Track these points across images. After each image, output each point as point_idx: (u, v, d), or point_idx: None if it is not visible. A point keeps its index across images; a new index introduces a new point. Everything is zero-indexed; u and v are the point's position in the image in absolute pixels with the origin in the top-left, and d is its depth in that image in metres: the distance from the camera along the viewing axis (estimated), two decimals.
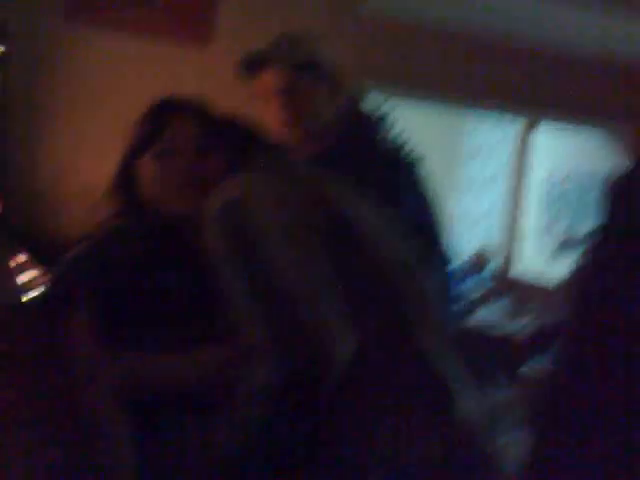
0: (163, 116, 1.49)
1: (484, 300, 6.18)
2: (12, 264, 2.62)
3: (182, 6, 2.45)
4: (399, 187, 2.08)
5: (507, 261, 7.05)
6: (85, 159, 2.32)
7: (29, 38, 2.37)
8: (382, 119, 2.24)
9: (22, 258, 2.68)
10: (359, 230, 1.45)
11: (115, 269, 1.34)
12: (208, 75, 2.53)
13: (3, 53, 2.52)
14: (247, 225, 1.30)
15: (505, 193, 7.27)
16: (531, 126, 6.76)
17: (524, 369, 5.10)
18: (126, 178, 1.49)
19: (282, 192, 1.39)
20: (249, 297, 1.29)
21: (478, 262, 6.93)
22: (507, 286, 6.94)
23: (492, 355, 5.39)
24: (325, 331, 1.27)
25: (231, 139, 1.54)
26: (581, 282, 1.77)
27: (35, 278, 2.45)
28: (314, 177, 1.55)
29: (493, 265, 7.05)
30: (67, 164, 2.48)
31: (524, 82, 4.88)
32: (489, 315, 6.07)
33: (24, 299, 2.14)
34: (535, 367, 4.91)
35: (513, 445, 2.16)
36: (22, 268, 2.56)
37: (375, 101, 2.29)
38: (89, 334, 1.29)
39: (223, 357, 1.37)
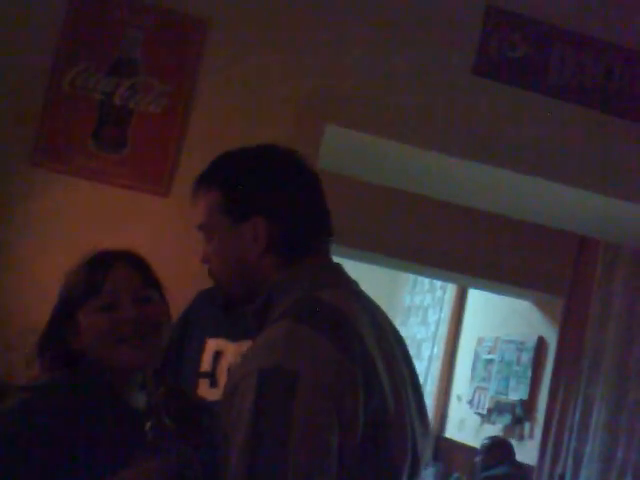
0: (102, 268, 1.45)
1: None
2: None
3: (145, 160, 2.59)
4: None
5: (440, 423, 7.07)
6: (32, 300, 2.34)
7: None
8: None
9: None
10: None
11: (47, 424, 1.28)
12: (164, 225, 2.63)
13: None
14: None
15: (438, 356, 7.39)
16: (463, 291, 6.99)
17: None
18: (59, 331, 1.44)
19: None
20: None
21: None
22: (439, 448, 6.91)
23: None
24: None
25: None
26: None
27: None
28: None
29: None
30: (12, 304, 2.50)
31: (457, 248, 5.09)
32: (422, 478, 6.00)
33: None
34: None
35: None
36: None
37: None
38: None
39: None
